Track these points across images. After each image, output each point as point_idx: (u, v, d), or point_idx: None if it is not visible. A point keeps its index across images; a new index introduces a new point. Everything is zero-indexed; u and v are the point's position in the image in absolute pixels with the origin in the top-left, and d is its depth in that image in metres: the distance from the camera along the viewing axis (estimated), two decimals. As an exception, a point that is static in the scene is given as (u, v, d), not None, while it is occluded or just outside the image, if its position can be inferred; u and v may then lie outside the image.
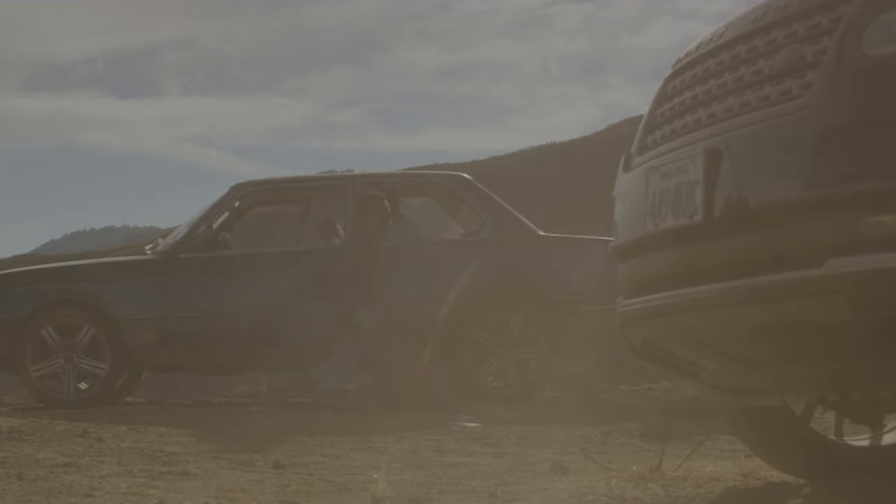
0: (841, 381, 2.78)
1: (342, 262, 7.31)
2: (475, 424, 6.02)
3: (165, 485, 3.78)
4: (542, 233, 8.01)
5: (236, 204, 8.18)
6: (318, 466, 4.32)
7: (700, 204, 2.68)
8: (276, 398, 8.10)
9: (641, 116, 3.25)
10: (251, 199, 8.41)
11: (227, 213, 8.18)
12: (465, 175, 8.40)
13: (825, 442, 3.47)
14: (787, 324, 2.50)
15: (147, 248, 8.37)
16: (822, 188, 2.36)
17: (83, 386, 7.55)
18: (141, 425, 5.68)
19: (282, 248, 8.70)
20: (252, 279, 7.62)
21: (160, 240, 8.12)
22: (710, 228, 2.66)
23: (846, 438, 3.51)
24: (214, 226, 8.06)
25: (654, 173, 2.96)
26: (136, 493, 3.57)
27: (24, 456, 4.41)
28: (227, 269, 7.74)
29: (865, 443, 3.52)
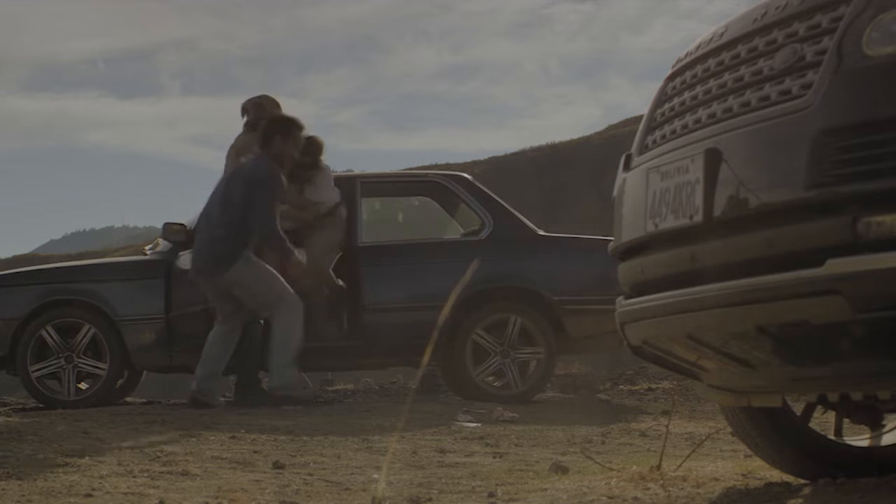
0: (841, 381, 2.78)
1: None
2: (475, 424, 6.03)
3: (165, 485, 3.78)
4: (542, 232, 8.01)
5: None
6: (318, 466, 4.32)
7: (700, 204, 2.68)
8: (275, 398, 8.09)
9: (641, 116, 3.25)
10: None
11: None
12: (465, 175, 8.40)
13: (825, 442, 3.47)
14: (787, 324, 2.50)
15: (147, 248, 8.37)
16: (822, 188, 2.36)
17: (83, 386, 7.55)
18: (141, 425, 5.68)
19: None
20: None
21: (160, 240, 8.10)
22: (710, 228, 2.66)
23: (846, 438, 3.51)
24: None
25: (654, 173, 2.97)
26: (136, 493, 3.57)
27: (24, 456, 4.41)
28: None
29: (865, 443, 3.52)
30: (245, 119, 7.88)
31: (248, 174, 6.94)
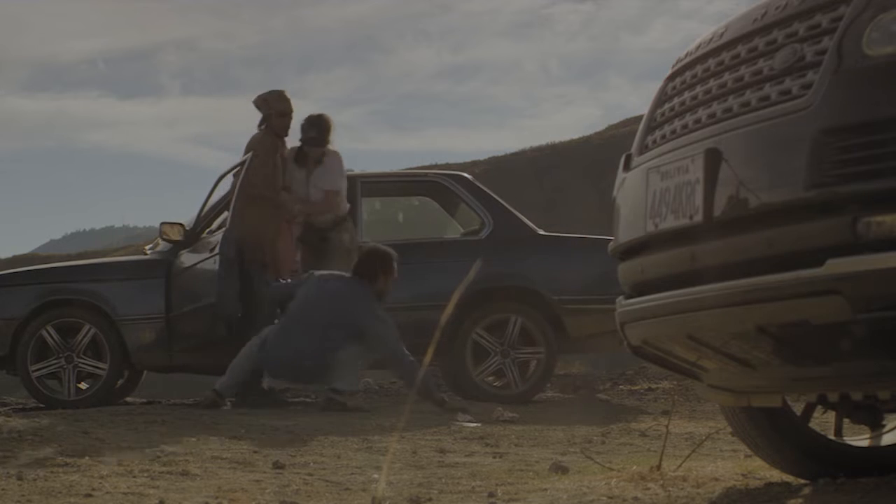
0: (841, 381, 2.78)
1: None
2: (475, 424, 6.02)
3: (165, 485, 3.78)
4: (541, 232, 8.01)
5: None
6: (318, 466, 4.32)
7: (700, 204, 2.68)
8: (275, 398, 8.09)
9: (641, 116, 3.25)
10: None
11: (227, 213, 8.17)
12: (465, 175, 8.40)
13: (825, 442, 3.47)
14: (787, 324, 2.50)
15: (147, 248, 8.38)
16: (822, 188, 2.36)
17: (83, 386, 7.56)
18: (141, 425, 5.68)
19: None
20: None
21: (160, 239, 8.11)
22: (710, 228, 2.66)
23: (846, 438, 3.51)
24: (214, 225, 8.06)
25: (654, 173, 2.96)
26: (136, 493, 3.57)
27: (24, 456, 4.41)
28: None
29: (865, 443, 3.52)
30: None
31: (361, 307, 6.86)
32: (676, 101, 3.00)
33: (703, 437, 4.66)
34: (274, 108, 7.67)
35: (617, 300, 3.23)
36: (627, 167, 3.21)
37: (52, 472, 4.00)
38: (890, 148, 2.27)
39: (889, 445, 3.49)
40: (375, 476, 4.00)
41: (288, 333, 6.90)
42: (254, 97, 7.80)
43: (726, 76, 2.77)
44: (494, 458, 4.68)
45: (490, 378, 7.56)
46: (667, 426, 4.26)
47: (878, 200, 2.28)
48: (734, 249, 2.60)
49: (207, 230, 7.88)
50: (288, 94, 7.75)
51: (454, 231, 8.67)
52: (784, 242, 2.45)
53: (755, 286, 2.51)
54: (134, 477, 3.92)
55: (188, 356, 7.64)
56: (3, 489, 3.62)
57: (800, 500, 3.16)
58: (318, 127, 7.62)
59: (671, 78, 3.10)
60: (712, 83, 2.83)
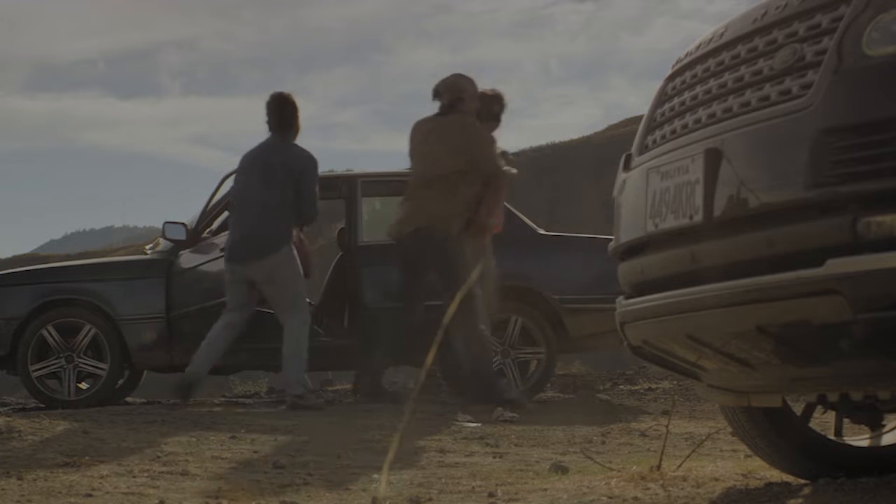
0: (841, 381, 2.79)
1: None
2: (475, 424, 6.02)
3: (165, 485, 3.78)
4: (542, 232, 8.01)
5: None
6: (318, 466, 4.32)
7: (700, 204, 2.68)
8: (276, 398, 8.09)
9: (641, 116, 3.25)
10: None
11: (227, 213, 8.17)
12: (466, 175, 8.37)
13: (825, 442, 3.47)
14: (787, 324, 2.50)
15: (147, 247, 8.38)
16: (822, 188, 2.36)
17: (83, 386, 7.56)
18: (141, 425, 5.68)
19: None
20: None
21: (160, 239, 8.11)
22: (710, 228, 2.66)
23: (846, 438, 3.51)
24: (215, 225, 8.06)
25: (654, 173, 2.97)
26: (136, 493, 3.57)
27: (24, 456, 4.41)
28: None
29: (865, 443, 3.52)
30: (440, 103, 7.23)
31: (289, 160, 7.04)
32: (676, 101, 3.00)
33: (703, 437, 4.66)
34: (467, 90, 7.18)
35: (617, 300, 3.23)
36: (627, 167, 3.22)
37: (52, 472, 4.00)
38: (890, 148, 2.27)
39: (889, 445, 3.49)
40: (375, 476, 4.00)
41: (240, 219, 7.10)
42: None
43: (726, 76, 2.77)
44: (494, 458, 4.68)
45: (490, 378, 7.55)
46: (667, 426, 4.26)
47: (878, 200, 2.28)
48: (734, 249, 2.60)
49: (208, 230, 7.88)
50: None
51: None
52: (784, 242, 2.45)
53: (755, 286, 2.51)
54: (134, 477, 3.93)
55: (188, 356, 7.62)
56: (3, 489, 3.62)
57: (800, 500, 3.16)
58: (496, 107, 7.55)
59: (671, 78, 3.11)
60: (712, 83, 2.83)
